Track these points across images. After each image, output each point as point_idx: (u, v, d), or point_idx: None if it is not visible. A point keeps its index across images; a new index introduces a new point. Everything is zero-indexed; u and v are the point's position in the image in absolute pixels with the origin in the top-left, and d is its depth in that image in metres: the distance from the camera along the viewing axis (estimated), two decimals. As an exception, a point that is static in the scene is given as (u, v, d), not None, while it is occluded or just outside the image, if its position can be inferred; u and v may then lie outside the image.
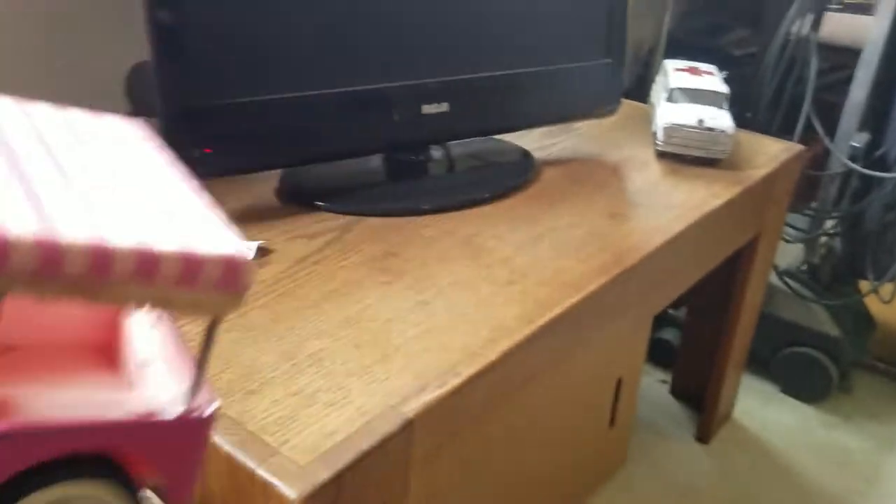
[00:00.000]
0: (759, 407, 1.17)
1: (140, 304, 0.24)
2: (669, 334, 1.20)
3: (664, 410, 1.15)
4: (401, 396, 0.47)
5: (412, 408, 0.46)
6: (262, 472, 0.40)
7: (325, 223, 0.68)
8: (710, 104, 0.88)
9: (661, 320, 1.19)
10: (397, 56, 0.71)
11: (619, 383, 0.85)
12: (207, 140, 0.62)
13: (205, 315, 0.26)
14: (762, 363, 1.19)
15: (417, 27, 0.71)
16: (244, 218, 0.68)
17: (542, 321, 0.56)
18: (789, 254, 1.20)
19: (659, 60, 1.33)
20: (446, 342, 0.52)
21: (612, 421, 0.87)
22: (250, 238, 0.63)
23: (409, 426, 0.45)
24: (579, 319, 0.61)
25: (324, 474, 0.40)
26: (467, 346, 0.52)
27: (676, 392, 1.17)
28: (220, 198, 0.70)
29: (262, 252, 0.61)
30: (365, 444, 0.43)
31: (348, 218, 0.69)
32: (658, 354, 1.20)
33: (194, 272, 0.24)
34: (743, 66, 1.27)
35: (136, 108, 0.67)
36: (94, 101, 0.76)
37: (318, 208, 0.70)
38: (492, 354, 0.52)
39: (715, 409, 1.07)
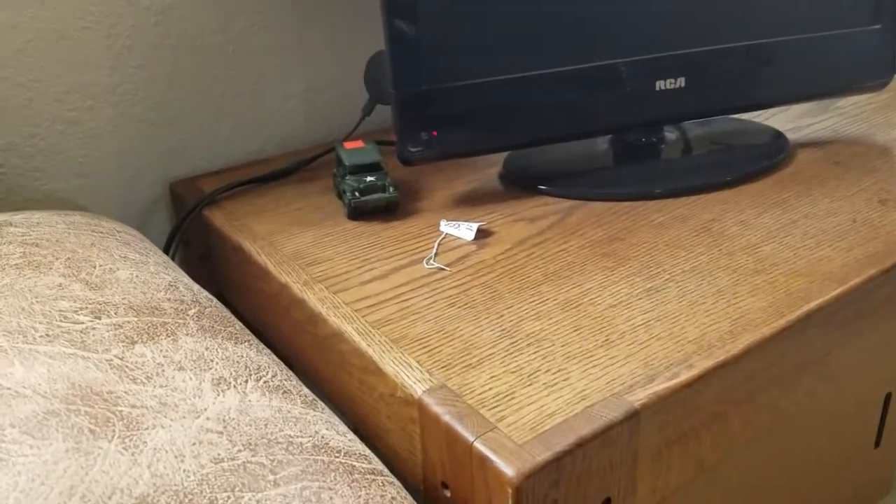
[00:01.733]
0: None
1: None
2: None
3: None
4: (626, 384, 0.43)
5: (639, 398, 0.42)
6: (479, 446, 0.39)
7: (546, 207, 0.66)
8: None
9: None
10: (627, 27, 0.66)
11: (887, 399, 0.73)
12: (435, 123, 0.63)
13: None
14: None
15: (653, -2, 0.66)
16: (468, 200, 0.68)
17: (794, 315, 0.48)
18: None
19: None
20: (678, 332, 0.48)
21: (878, 442, 0.75)
22: (473, 219, 0.63)
23: (634, 416, 0.41)
24: (840, 317, 0.52)
25: (543, 455, 0.38)
26: (704, 337, 0.47)
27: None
28: (447, 181, 0.72)
29: (482, 233, 0.61)
30: (586, 429, 0.40)
31: (571, 202, 0.66)
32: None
33: None
34: None
35: (373, 94, 0.70)
36: (338, 87, 0.83)
37: (541, 192, 0.68)
38: (733, 348, 0.46)
39: None
